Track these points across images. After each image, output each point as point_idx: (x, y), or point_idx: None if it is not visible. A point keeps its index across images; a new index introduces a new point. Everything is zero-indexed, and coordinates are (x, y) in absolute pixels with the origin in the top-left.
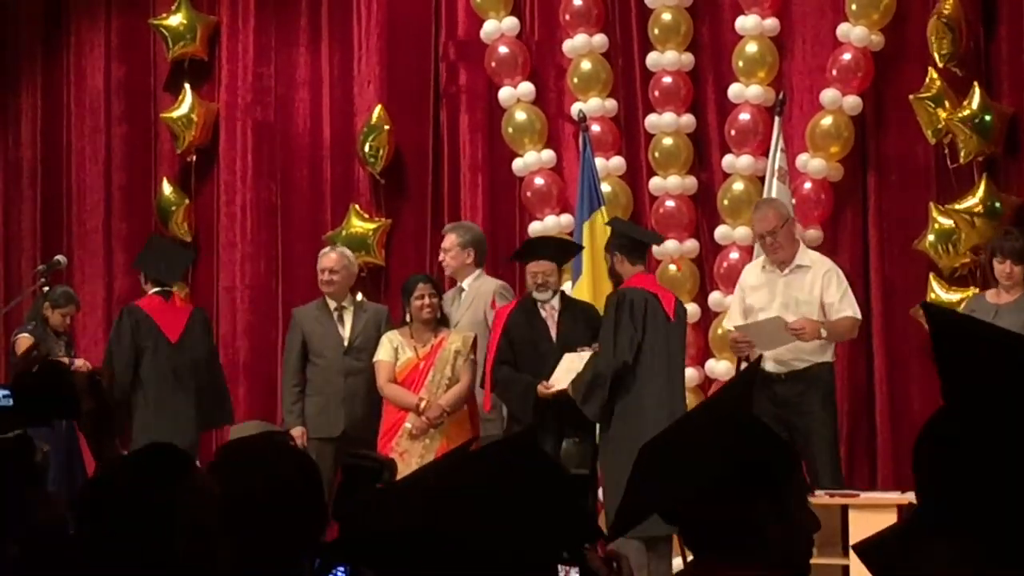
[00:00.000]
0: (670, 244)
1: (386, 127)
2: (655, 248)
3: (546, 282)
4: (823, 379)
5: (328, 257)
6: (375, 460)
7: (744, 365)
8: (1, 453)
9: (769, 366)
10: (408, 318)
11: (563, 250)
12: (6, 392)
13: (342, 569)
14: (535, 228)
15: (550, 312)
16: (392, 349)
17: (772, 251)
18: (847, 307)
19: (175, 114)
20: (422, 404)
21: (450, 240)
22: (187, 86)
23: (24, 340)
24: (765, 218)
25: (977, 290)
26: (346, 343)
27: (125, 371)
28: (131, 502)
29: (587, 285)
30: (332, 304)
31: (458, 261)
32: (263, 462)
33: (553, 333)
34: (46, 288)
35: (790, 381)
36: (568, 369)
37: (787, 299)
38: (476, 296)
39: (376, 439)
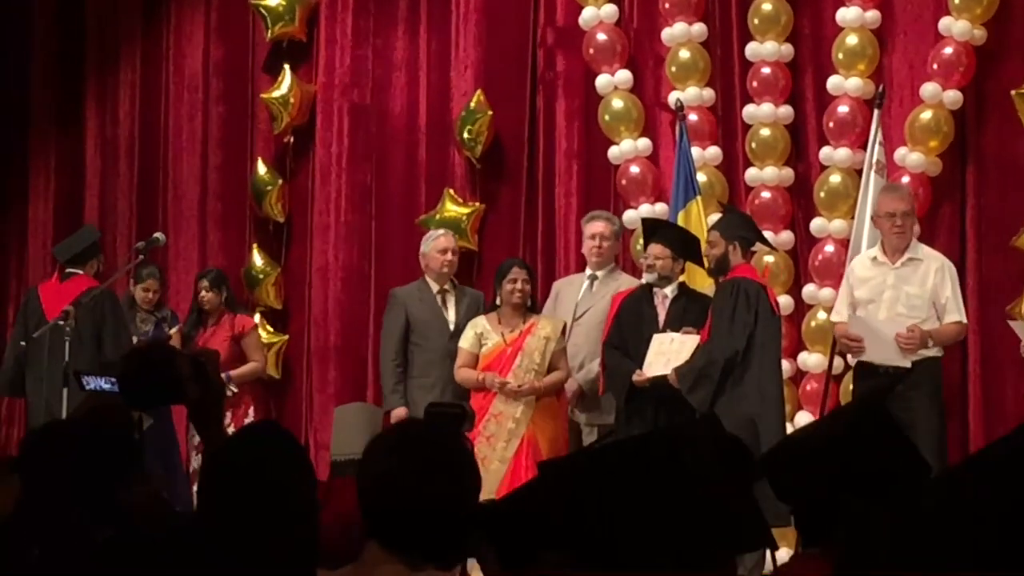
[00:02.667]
0: (765, 235)
1: (488, 112)
2: None
3: (654, 265)
4: (931, 374)
5: (447, 238)
6: (458, 407)
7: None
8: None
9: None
10: (498, 301)
11: (681, 241)
12: (112, 379)
13: None
14: (630, 216)
15: (662, 300)
16: (475, 336)
17: (898, 233)
18: (955, 311)
19: (274, 95)
20: (479, 378)
21: (608, 228)
22: (286, 67)
23: None
24: (900, 199)
25: None
26: (452, 327)
27: (16, 345)
28: (253, 478)
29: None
30: (435, 287)
31: (614, 251)
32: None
33: (661, 320)
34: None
35: (896, 375)
36: (659, 352)
37: (897, 292)
38: (610, 288)
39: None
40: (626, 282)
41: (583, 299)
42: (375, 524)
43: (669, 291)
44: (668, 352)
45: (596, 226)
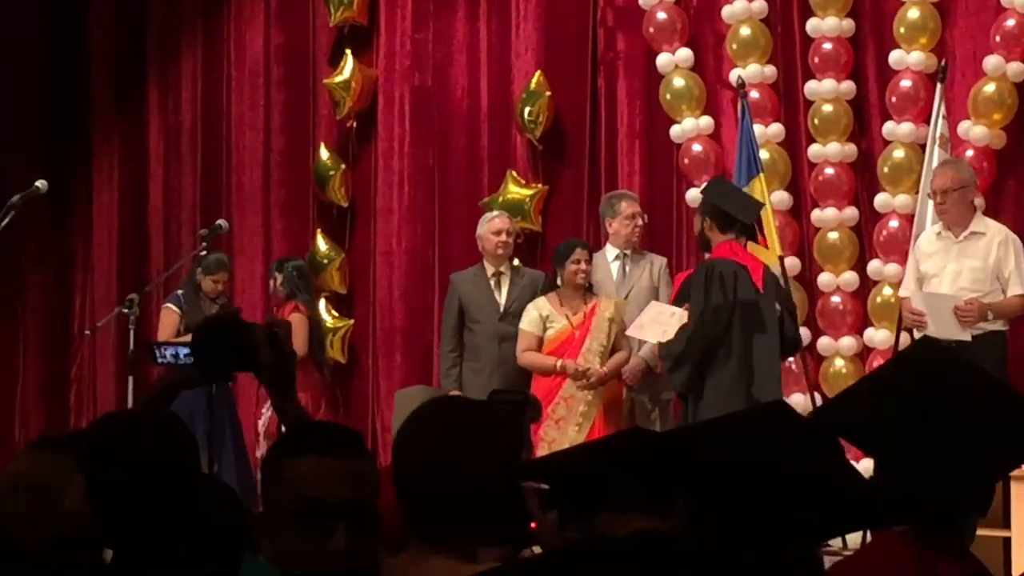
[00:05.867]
0: (829, 211)
1: (547, 93)
2: (816, 214)
3: None
4: (994, 347)
5: (502, 219)
6: (520, 394)
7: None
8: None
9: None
10: (559, 282)
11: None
12: (187, 351)
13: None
14: (692, 195)
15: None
16: (539, 319)
17: (939, 212)
18: (1018, 284)
19: (336, 80)
20: (557, 365)
21: (639, 206)
22: (348, 52)
23: (167, 314)
24: (942, 175)
25: None
26: (501, 308)
27: None
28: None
29: None
30: (490, 269)
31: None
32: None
33: None
34: (203, 253)
35: (958, 350)
36: (653, 320)
37: (960, 266)
38: (642, 266)
39: None
40: (657, 260)
41: (620, 280)
42: (410, 511)
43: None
44: (661, 321)
45: (635, 205)
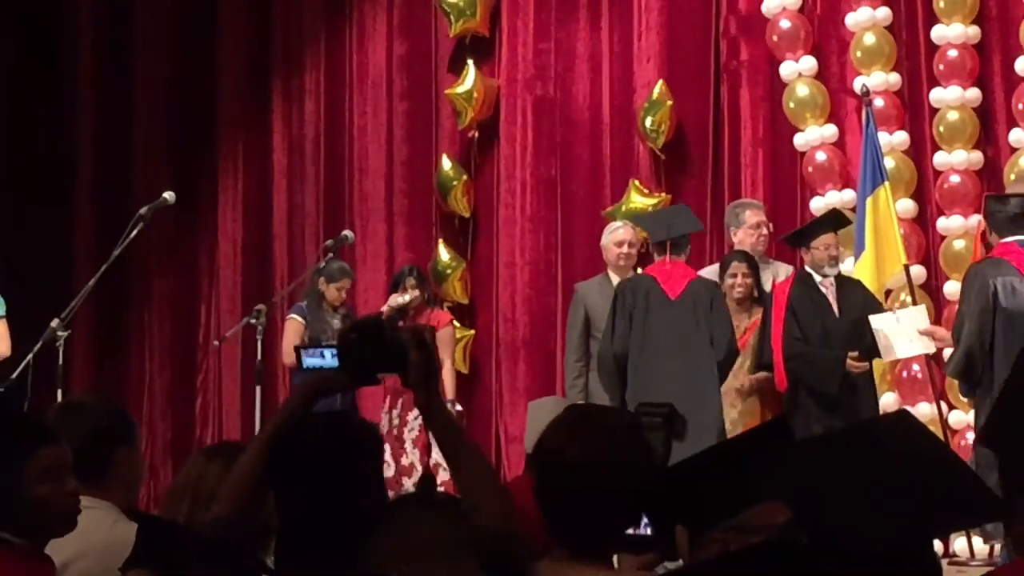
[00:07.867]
0: (955, 219)
1: (668, 102)
2: (942, 222)
3: (836, 255)
4: None
5: (625, 230)
6: (665, 407)
7: None
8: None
9: None
10: None
11: (841, 222)
12: (333, 352)
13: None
14: (817, 204)
15: (828, 287)
16: None
17: None
18: None
19: (459, 90)
20: None
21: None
22: (470, 62)
23: (292, 325)
24: None
25: None
26: None
27: None
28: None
29: (870, 262)
30: (615, 279)
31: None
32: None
33: (835, 307)
34: (322, 263)
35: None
36: (896, 332)
37: None
38: (768, 276)
39: None
40: (783, 268)
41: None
42: (552, 520)
43: (833, 278)
44: (905, 331)
45: (760, 214)
